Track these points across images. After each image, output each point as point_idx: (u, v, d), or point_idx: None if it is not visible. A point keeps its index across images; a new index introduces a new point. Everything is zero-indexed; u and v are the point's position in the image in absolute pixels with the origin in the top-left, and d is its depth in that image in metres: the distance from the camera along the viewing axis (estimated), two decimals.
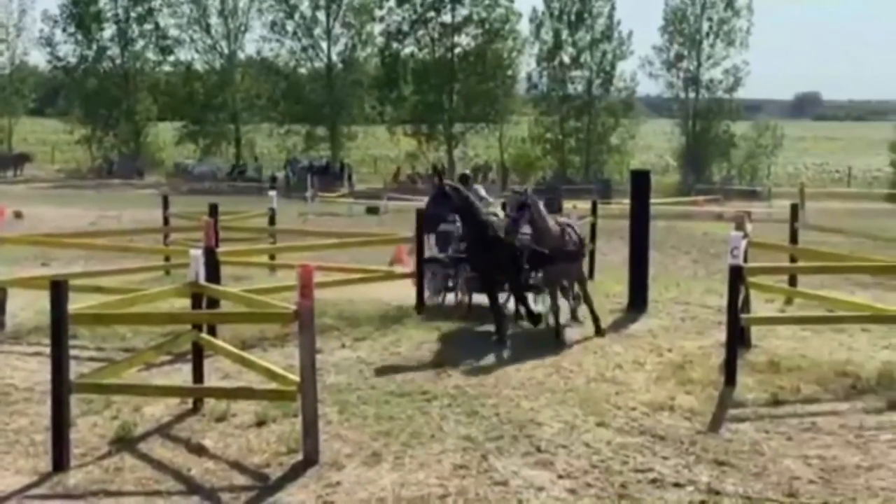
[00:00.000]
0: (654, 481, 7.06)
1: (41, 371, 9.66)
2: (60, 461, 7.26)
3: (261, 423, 8.28)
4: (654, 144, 64.19)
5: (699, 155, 58.53)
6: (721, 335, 10.62)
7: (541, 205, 11.73)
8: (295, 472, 7.23)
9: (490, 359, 10.69)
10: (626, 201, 15.95)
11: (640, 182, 14.42)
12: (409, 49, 61.21)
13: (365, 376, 9.99)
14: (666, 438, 8.00)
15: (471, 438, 7.92)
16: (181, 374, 9.76)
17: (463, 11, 60.16)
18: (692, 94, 59.75)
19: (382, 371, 10.17)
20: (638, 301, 13.64)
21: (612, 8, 58.85)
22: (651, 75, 59.83)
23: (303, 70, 63.86)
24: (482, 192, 14.21)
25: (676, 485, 7.01)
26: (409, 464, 7.37)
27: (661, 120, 64.57)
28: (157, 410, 8.68)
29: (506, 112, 61.58)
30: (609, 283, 15.22)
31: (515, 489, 6.89)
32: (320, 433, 7.58)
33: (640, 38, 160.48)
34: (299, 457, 7.43)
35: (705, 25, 58.94)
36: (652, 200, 14.88)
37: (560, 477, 7.12)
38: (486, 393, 9.27)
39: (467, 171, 20.90)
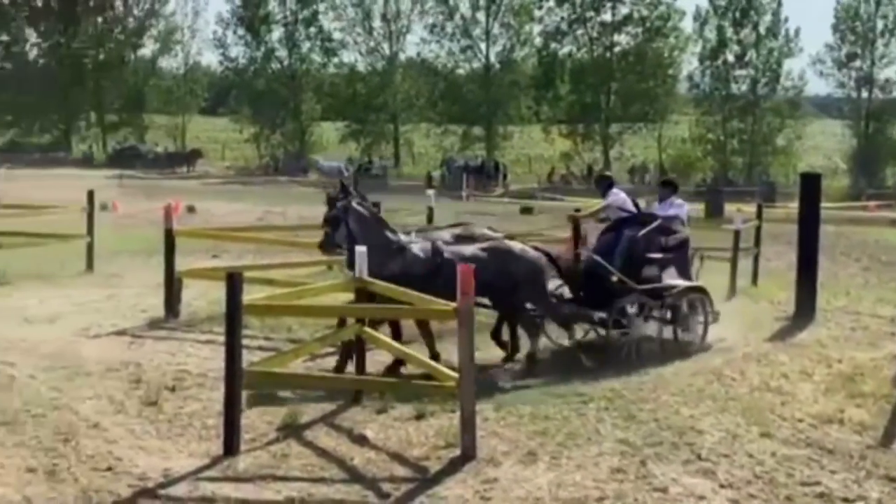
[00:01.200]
0: (821, 495, 6.82)
1: (213, 358, 10.13)
2: (231, 445, 7.58)
3: (419, 417, 8.43)
4: (823, 146, 61.62)
5: (871, 158, 55.93)
6: (895, 347, 10.15)
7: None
8: (453, 467, 7.33)
9: (646, 364, 10.53)
10: (792, 205, 15.45)
11: (811, 185, 13.96)
12: (567, 48, 60.98)
13: (520, 375, 10.02)
14: (834, 452, 7.71)
15: (628, 442, 7.84)
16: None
17: (623, 10, 59.60)
18: (865, 94, 57.19)
19: (538, 371, 10.19)
20: (805, 309, 13.19)
21: (779, 4, 56.98)
22: (822, 74, 57.66)
23: (461, 71, 64.55)
24: (621, 197, 12.43)
25: (845, 500, 6.75)
26: (565, 464, 7.36)
27: (829, 121, 61.99)
28: (322, 400, 8.94)
29: (665, 112, 60.50)
30: (773, 290, 14.75)
31: (675, 496, 6.78)
32: (477, 429, 7.67)
33: (808, 36, 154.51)
34: (457, 451, 7.53)
35: (879, 23, 56.36)
36: (821, 204, 14.36)
37: (722, 486, 6.97)
38: (644, 398, 9.16)
39: (607, 173, 20.19)
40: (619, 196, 12.53)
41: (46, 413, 8.48)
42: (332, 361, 10.12)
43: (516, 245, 10.87)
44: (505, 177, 54.13)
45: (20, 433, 7.93)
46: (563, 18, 60.27)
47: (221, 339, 8.39)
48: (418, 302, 8.67)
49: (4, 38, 78.09)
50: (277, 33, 67.70)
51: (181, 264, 13.70)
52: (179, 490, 6.86)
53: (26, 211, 19.26)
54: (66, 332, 11.81)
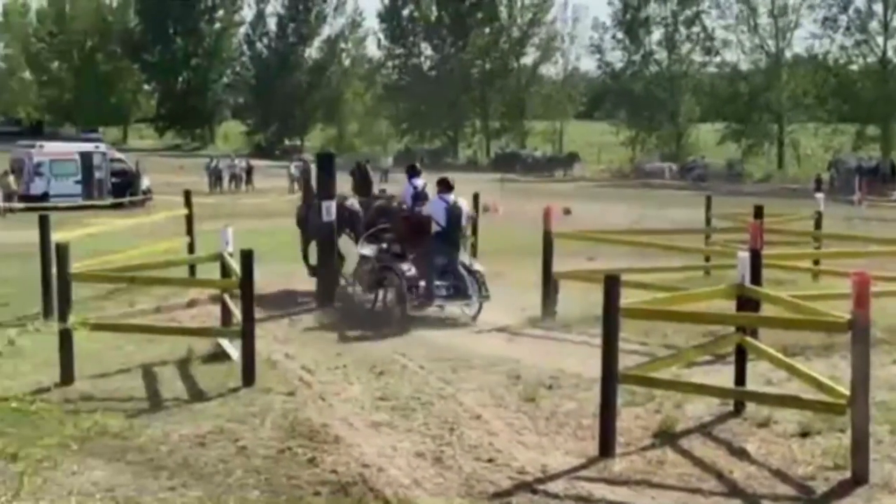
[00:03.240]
0: None
1: (588, 359, 10.21)
2: (607, 447, 7.60)
3: (805, 434, 7.94)
4: None
5: None
6: None
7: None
8: (842, 490, 6.82)
9: None
10: None
11: None
12: None
13: None
14: None
15: None
16: (720, 375, 9.71)
17: None
18: None
19: None
20: None
21: None
22: None
23: (854, 66, 60.31)
24: None
25: None
26: None
27: None
28: (698, 409, 8.72)
29: None
30: None
31: None
32: (870, 452, 7.07)
33: None
34: (847, 474, 6.99)
35: None
36: None
37: None
38: None
39: None
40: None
41: (434, 402, 9.01)
42: (708, 370, 9.83)
43: None
44: None
45: (410, 419, 8.49)
46: None
47: (596, 341, 8.44)
48: (805, 311, 8.16)
49: (402, 51, 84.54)
50: (657, 35, 67.29)
51: (558, 265, 13.96)
52: (556, 487, 6.98)
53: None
54: (452, 327, 12.50)
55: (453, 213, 13.23)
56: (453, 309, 13.20)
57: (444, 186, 13.45)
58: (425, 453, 7.60)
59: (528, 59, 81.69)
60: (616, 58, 70.11)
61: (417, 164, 15.97)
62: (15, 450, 4.01)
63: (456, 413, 8.66)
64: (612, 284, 7.69)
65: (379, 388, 9.49)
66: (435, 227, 13.14)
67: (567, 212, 30.00)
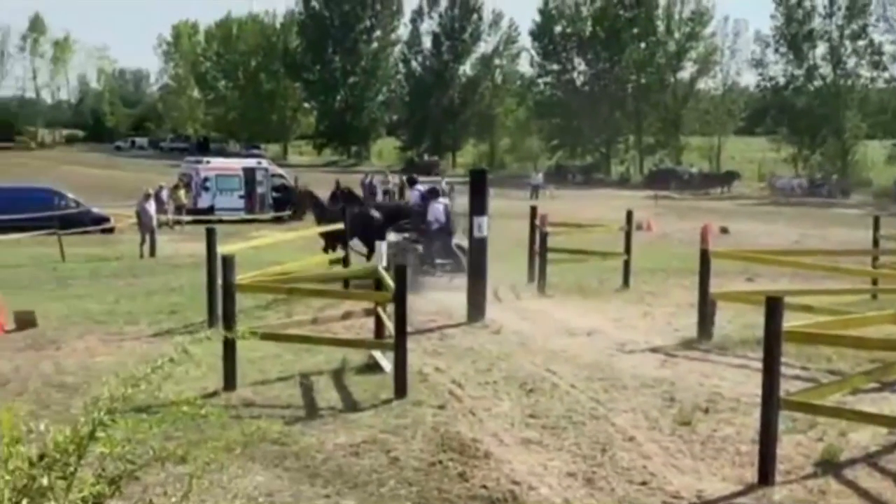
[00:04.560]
0: None
1: (746, 383, 9.93)
2: (766, 475, 7.34)
3: None
4: None
5: None
6: None
7: None
8: None
9: None
10: None
11: None
12: None
13: None
14: None
15: None
16: (888, 404, 9.26)
17: None
18: None
19: None
20: None
21: None
22: None
23: None
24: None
25: None
26: None
27: None
28: (864, 438, 8.32)
29: None
30: None
31: None
32: None
33: None
34: None
35: None
36: None
37: None
38: None
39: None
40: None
41: (585, 422, 8.91)
42: (875, 397, 9.37)
43: None
44: None
45: (561, 438, 8.42)
46: None
47: (755, 364, 8.20)
48: None
49: (556, 67, 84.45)
50: (821, 49, 64.94)
51: (714, 285, 13.61)
52: None
53: (570, 229, 20.57)
54: (603, 346, 12.36)
55: (447, 212, 17.74)
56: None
57: (433, 194, 18.34)
58: (577, 473, 7.52)
59: (685, 74, 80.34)
60: (778, 72, 68.04)
61: (415, 175, 22.86)
62: (183, 452, 4.19)
63: (608, 434, 8.54)
64: (774, 306, 7.43)
65: (529, 405, 9.46)
66: (436, 224, 17.38)
67: (724, 230, 29.29)
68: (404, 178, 24.61)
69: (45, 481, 3.54)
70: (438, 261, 17.17)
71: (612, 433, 8.56)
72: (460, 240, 16.84)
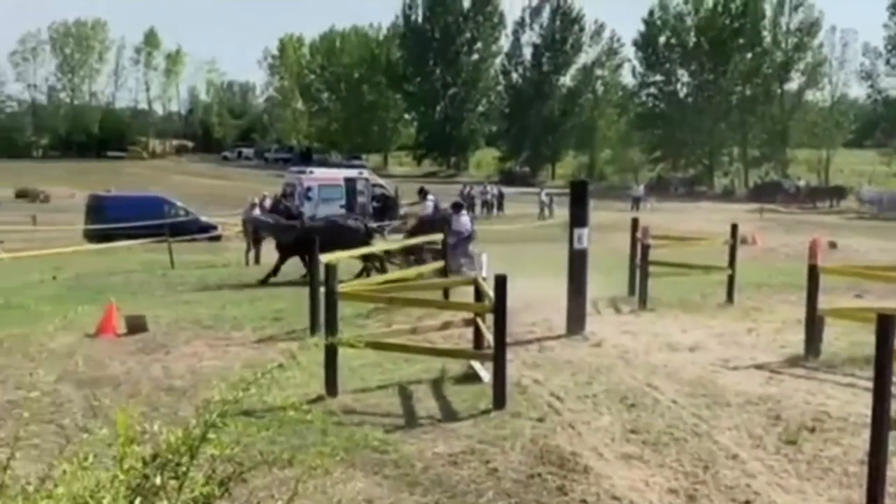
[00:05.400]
0: None
1: (855, 402, 9.63)
2: (875, 497, 7.08)
3: None
4: None
5: None
6: None
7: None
8: None
9: None
10: None
11: None
12: None
13: None
14: None
15: None
16: None
17: None
18: None
19: None
20: None
21: None
22: None
23: None
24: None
25: None
26: None
27: None
28: None
29: None
30: None
31: None
32: None
33: None
34: None
35: None
36: None
37: None
38: None
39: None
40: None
41: (687, 438, 8.77)
42: None
43: None
44: None
45: (663, 454, 8.31)
46: None
47: (864, 383, 7.97)
48: None
49: (658, 78, 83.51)
50: None
51: (823, 302, 13.26)
52: None
53: (671, 242, 20.27)
54: (706, 362, 12.13)
55: (472, 222, 21.02)
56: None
57: (458, 207, 21.05)
58: (678, 490, 7.41)
59: (792, 85, 78.46)
60: (890, 84, 65.90)
61: (425, 187, 25.97)
62: (289, 456, 4.28)
63: (711, 451, 8.39)
64: (885, 324, 7.19)
65: (630, 420, 9.35)
66: (464, 234, 19.98)
67: (832, 245, 28.48)
68: (416, 189, 25.76)
69: (157, 481, 3.66)
70: (462, 260, 19.52)
71: (715, 450, 8.40)
72: (474, 247, 20.40)
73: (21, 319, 14.64)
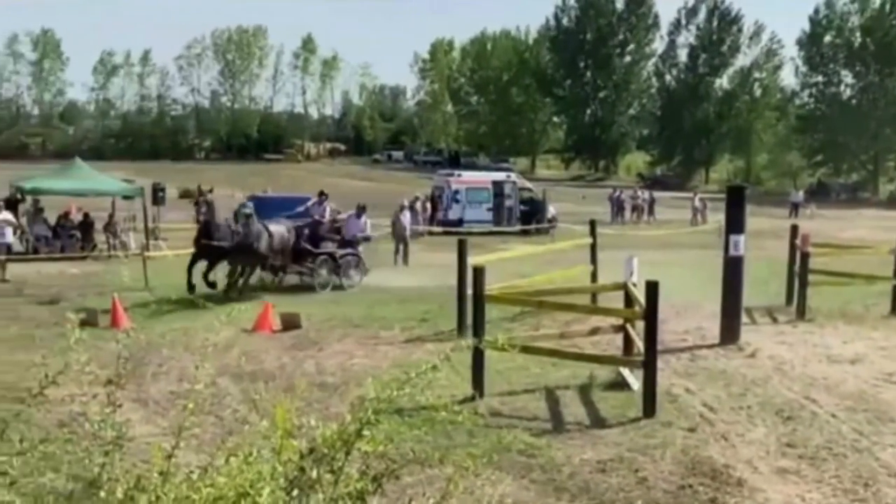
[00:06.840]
0: None
1: None
2: None
3: None
4: None
5: None
6: None
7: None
8: None
9: None
10: None
11: None
12: None
13: None
14: None
15: None
16: None
17: None
18: None
19: None
20: None
21: None
22: None
23: None
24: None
25: None
26: None
27: None
28: None
29: None
30: None
31: None
32: None
33: None
34: None
35: None
36: None
37: None
38: None
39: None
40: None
41: (847, 454, 8.40)
42: None
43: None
44: None
45: (821, 469, 7.98)
46: None
47: None
48: None
49: (819, 79, 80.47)
50: None
51: None
52: None
53: (832, 250, 19.45)
54: (868, 375, 11.58)
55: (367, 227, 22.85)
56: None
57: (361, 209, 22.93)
58: None
59: None
60: None
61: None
62: (441, 455, 4.32)
63: (872, 468, 8.01)
64: None
65: (786, 433, 9.03)
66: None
67: None
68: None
69: (314, 474, 3.74)
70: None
71: (877, 468, 8.02)
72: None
73: (183, 315, 15.30)
